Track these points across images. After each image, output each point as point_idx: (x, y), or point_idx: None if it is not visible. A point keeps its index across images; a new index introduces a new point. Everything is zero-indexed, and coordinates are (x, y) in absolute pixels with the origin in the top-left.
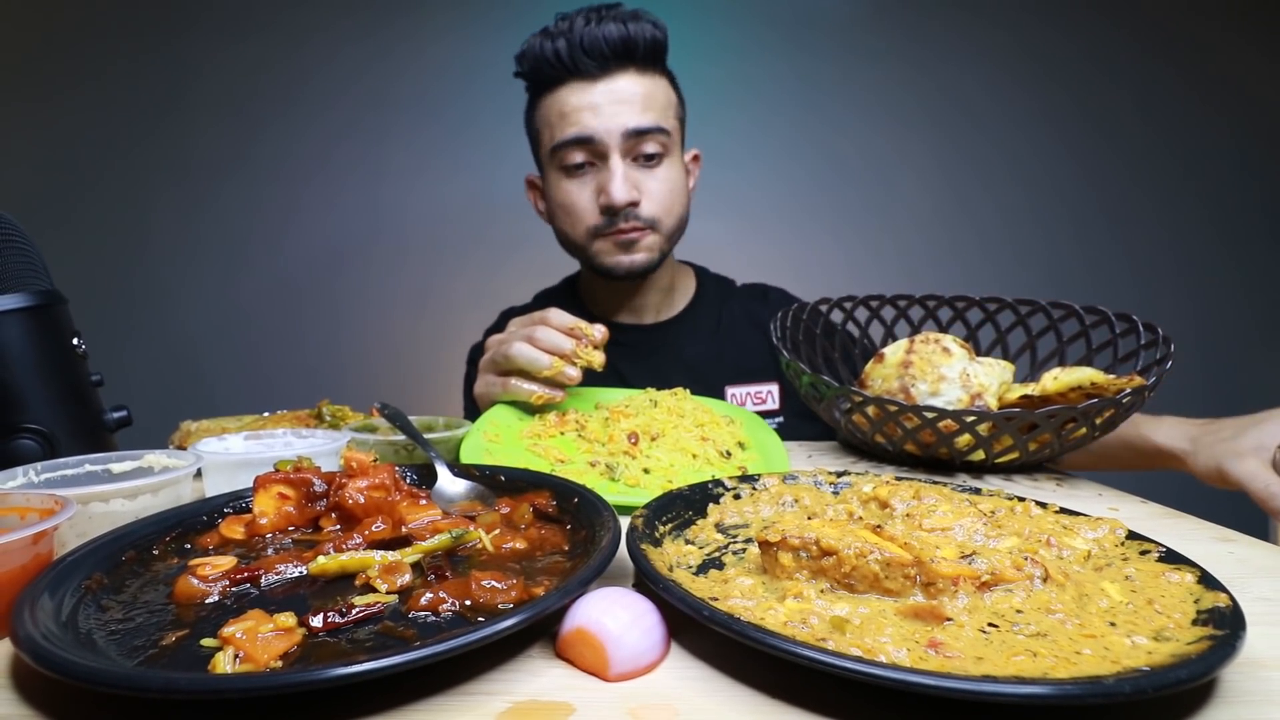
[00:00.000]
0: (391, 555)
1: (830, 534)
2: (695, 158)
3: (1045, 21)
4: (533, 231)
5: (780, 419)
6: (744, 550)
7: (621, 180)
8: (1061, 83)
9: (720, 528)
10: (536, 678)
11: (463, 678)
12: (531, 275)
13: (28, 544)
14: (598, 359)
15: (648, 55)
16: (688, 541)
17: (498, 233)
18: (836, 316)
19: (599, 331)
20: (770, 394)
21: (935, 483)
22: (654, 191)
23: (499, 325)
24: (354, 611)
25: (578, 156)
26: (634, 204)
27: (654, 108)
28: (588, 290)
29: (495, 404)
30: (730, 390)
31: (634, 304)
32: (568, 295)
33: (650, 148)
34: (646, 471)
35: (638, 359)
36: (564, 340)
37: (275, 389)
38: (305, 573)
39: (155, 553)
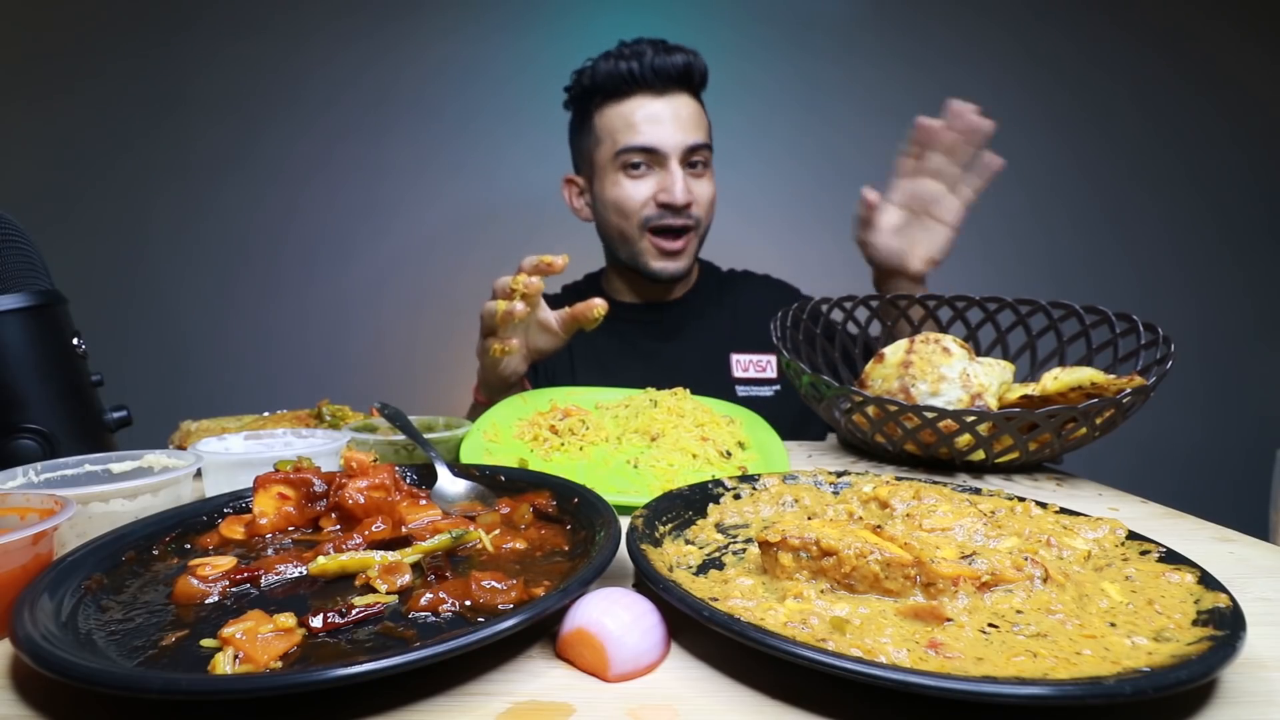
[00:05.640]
0: (391, 555)
1: (830, 534)
2: None
3: (1046, 21)
4: (532, 231)
5: (777, 387)
6: (744, 550)
7: (682, 184)
8: (1062, 83)
9: (720, 528)
10: (536, 678)
11: (463, 678)
12: None
13: (28, 544)
14: (532, 261)
15: (699, 83)
16: (688, 541)
17: (497, 232)
18: (836, 316)
19: (528, 262)
20: (769, 364)
21: (935, 483)
22: (700, 196)
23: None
24: (354, 612)
25: (639, 160)
26: (689, 206)
27: (702, 127)
28: (610, 284)
29: (486, 368)
30: (735, 357)
31: (655, 293)
32: (591, 289)
33: (699, 158)
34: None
35: (653, 335)
36: (504, 281)
37: (275, 389)
38: (305, 573)
39: (155, 553)
